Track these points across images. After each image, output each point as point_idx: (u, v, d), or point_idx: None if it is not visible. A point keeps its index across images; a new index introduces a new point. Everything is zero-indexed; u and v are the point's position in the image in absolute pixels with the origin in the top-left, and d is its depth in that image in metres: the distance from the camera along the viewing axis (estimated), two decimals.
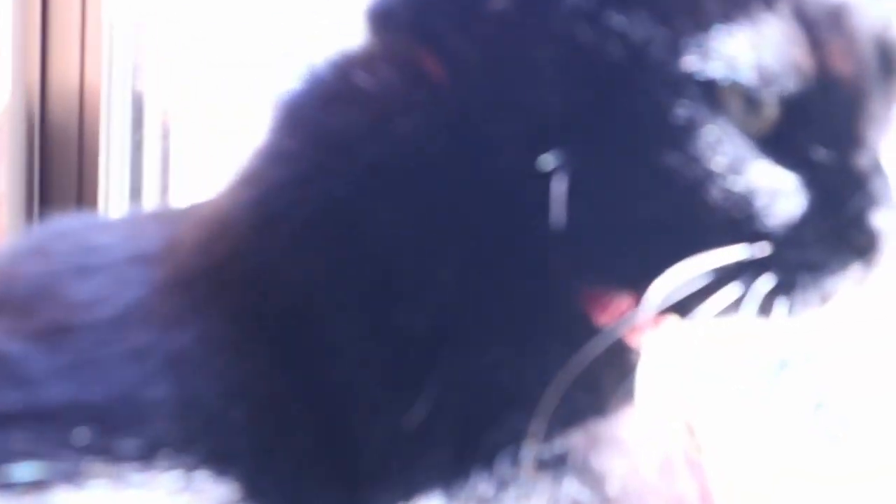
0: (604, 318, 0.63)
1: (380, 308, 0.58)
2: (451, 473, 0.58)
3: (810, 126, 0.57)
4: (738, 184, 0.55)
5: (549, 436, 0.59)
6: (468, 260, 0.59)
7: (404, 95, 0.61)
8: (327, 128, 0.62)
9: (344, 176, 0.60)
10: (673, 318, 0.66)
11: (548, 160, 0.56)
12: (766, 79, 0.54)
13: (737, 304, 0.57)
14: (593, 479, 0.61)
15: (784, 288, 0.57)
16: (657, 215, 0.56)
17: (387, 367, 0.58)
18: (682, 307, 0.58)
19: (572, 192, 0.56)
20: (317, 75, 0.67)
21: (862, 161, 0.58)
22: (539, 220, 0.57)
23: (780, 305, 0.58)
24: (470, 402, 0.58)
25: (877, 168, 0.58)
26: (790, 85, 0.55)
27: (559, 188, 0.55)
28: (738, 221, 0.56)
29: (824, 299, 0.60)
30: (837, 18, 0.56)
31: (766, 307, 0.58)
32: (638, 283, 0.57)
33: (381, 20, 0.67)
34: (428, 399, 0.57)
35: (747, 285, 0.56)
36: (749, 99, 0.55)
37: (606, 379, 0.62)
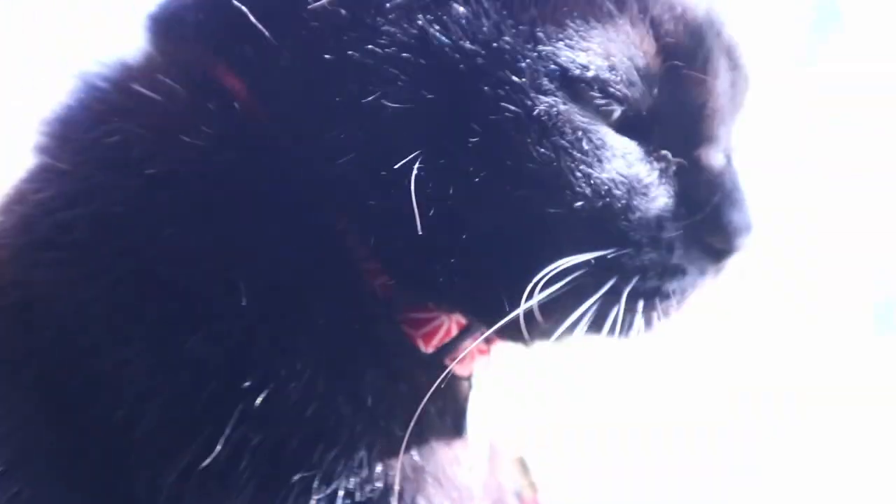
0: (428, 344, 0.58)
1: (168, 336, 0.51)
2: None
3: (663, 124, 0.56)
4: (600, 176, 0.53)
5: (367, 474, 0.53)
6: (267, 280, 0.52)
7: (192, 108, 0.55)
8: (102, 143, 0.55)
9: (122, 191, 0.53)
10: (505, 343, 0.62)
11: (399, 164, 0.51)
12: (618, 75, 0.54)
13: (598, 319, 0.54)
14: None
15: (644, 297, 0.55)
16: (511, 218, 0.53)
17: (177, 402, 0.50)
18: (526, 326, 0.53)
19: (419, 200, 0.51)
20: (90, 87, 0.59)
21: (715, 159, 0.57)
22: (352, 237, 0.53)
23: (640, 318, 0.55)
24: (275, 438, 0.51)
25: (729, 166, 0.57)
26: (642, 82, 0.55)
27: (411, 195, 0.51)
28: (596, 221, 0.53)
29: (680, 307, 0.58)
30: (683, 18, 0.56)
31: (624, 321, 0.55)
32: (479, 300, 0.54)
33: (165, 28, 0.60)
34: (228, 437, 0.50)
35: (604, 298, 0.53)
36: (603, 95, 0.54)
37: (431, 410, 0.57)
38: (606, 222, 0.54)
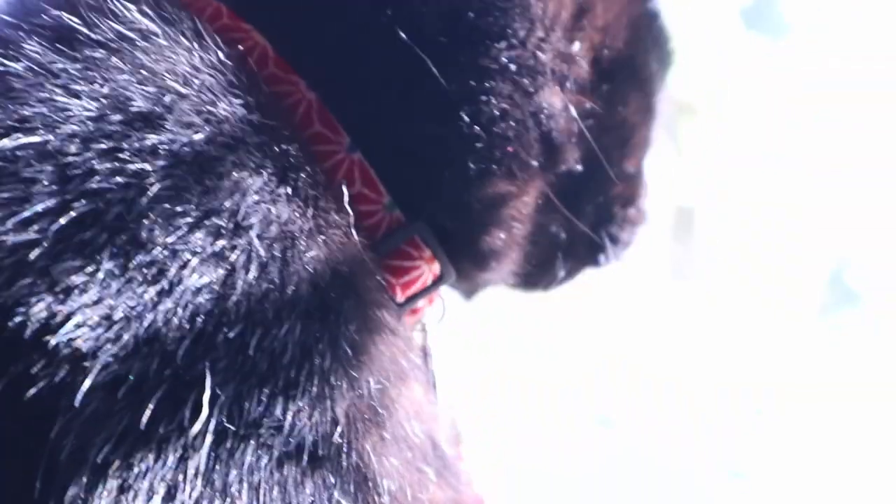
0: (404, 293, 0.55)
1: (125, 288, 0.43)
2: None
3: None
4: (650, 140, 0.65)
5: (329, 428, 0.49)
6: (253, 229, 0.47)
7: (184, 56, 0.48)
8: (67, 70, 0.46)
9: (97, 124, 0.45)
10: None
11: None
12: None
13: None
14: (366, 483, 0.51)
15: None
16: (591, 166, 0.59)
17: (130, 358, 0.43)
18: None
19: None
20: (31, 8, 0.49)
21: None
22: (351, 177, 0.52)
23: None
24: (245, 390, 0.45)
25: None
26: None
27: None
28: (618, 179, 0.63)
29: None
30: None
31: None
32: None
33: None
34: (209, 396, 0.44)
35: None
36: None
37: (403, 363, 0.53)
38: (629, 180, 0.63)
